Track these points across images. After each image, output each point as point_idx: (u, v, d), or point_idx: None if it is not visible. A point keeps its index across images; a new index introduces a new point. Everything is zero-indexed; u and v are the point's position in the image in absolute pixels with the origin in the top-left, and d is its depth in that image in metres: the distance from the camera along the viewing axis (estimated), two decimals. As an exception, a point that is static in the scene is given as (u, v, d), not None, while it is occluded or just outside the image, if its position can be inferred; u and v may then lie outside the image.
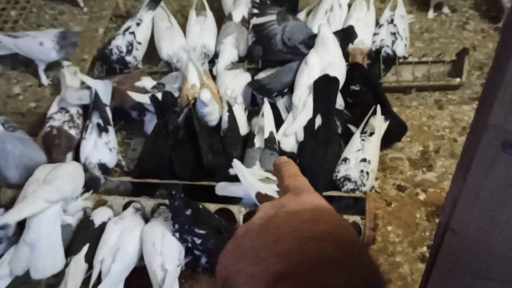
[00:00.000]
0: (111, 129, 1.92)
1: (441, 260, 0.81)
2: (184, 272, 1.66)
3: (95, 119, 1.91)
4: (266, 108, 1.84)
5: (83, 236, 1.69)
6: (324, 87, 1.80)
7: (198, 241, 1.55)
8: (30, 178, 1.68)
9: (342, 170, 1.69)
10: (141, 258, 1.62)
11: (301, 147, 1.80)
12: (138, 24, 2.21)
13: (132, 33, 2.18)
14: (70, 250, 1.67)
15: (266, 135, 1.79)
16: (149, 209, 1.72)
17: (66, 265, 1.64)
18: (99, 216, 1.72)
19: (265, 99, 1.86)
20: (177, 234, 1.56)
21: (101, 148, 1.87)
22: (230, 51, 2.12)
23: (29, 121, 2.11)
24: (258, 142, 1.79)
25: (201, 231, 1.56)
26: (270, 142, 1.78)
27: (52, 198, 1.58)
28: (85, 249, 1.65)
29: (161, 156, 1.81)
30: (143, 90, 2.00)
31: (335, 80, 1.81)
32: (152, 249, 1.54)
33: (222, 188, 1.66)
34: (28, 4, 2.53)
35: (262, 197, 1.56)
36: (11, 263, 1.57)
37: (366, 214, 1.59)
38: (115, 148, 1.93)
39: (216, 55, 2.13)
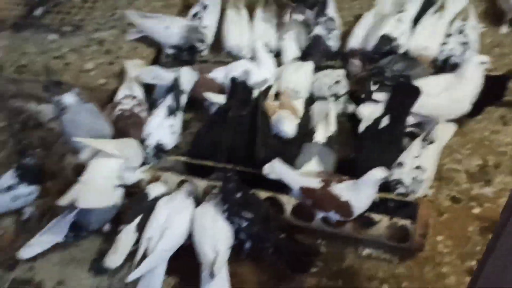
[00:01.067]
0: (179, 114, 1.99)
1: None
2: (233, 256, 1.70)
3: (169, 100, 1.97)
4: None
5: (136, 207, 1.76)
6: (404, 94, 1.81)
7: (244, 224, 1.58)
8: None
9: (396, 174, 1.67)
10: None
11: (359, 143, 1.79)
12: (204, 8, 2.28)
13: (199, 18, 2.25)
14: (122, 219, 1.75)
15: (331, 132, 1.80)
16: (201, 189, 1.77)
17: (118, 233, 1.72)
18: (154, 190, 1.79)
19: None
20: (226, 214, 1.59)
21: (165, 129, 1.93)
22: (292, 48, 2.15)
23: (96, 96, 2.21)
24: (320, 137, 1.80)
25: (248, 215, 1.58)
26: (333, 141, 1.79)
27: (114, 150, 1.70)
28: (137, 220, 1.72)
29: (215, 140, 1.86)
30: (213, 82, 2.05)
31: (417, 90, 1.80)
32: (204, 231, 1.58)
33: (271, 168, 1.66)
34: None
35: (306, 191, 1.59)
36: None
37: (417, 220, 1.57)
38: (176, 133, 1.98)
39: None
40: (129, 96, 2.01)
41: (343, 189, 1.58)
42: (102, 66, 2.30)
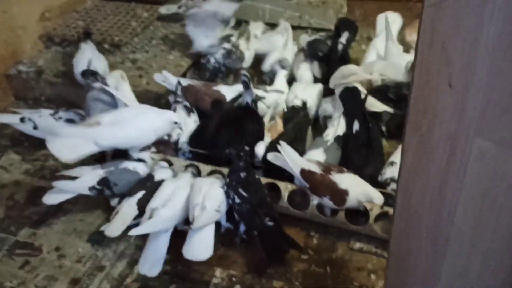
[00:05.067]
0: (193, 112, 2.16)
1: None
2: (222, 238, 1.75)
3: (182, 102, 2.15)
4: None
5: (141, 184, 1.85)
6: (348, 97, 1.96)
7: (237, 200, 1.65)
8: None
9: (388, 172, 1.75)
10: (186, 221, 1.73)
11: (343, 154, 1.89)
12: None
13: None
14: (128, 192, 1.83)
15: (340, 132, 1.93)
16: (205, 173, 1.86)
17: (119, 202, 1.81)
18: (160, 174, 1.89)
19: None
20: (225, 187, 1.68)
21: (190, 126, 2.08)
22: (307, 76, 2.35)
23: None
24: (330, 135, 1.93)
25: (244, 194, 1.66)
26: (340, 140, 1.92)
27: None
28: (139, 194, 1.80)
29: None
30: (218, 93, 2.23)
31: (355, 89, 1.97)
32: (198, 192, 1.67)
33: (275, 157, 1.77)
34: None
35: (307, 173, 1.68)
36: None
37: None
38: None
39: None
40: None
41: (343, 178, 1.67)
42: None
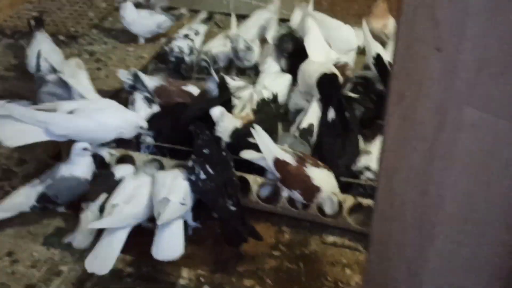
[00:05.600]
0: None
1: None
2: (191, 237, 1.65)
3: (140, 94, 2.03)
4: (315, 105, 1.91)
5: (101, 186, 1.73)
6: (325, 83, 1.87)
7: (202, 176, 1.57)
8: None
9: (362, 161, 1.69)
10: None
11: (317, 143, 1.81)
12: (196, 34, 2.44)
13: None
14: (86, 197, 1.71)
15: (305, 125, 1.84)
16: (169, 168, 1.76)
17: (81, 209, 1.67)
18: (121, 170, 1.77)
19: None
20: (190, 162, 1.59)
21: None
22: (274, 67, 2.27)
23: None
24: (295, 130, 1.86)
25: (210, 170, 1.57)
26: (307, 133, 1.83)
27: None
28: (101, 198, 1.68)
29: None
30: (189, 94, 2.12)
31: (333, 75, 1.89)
32: (161, 186, 1.56)
33: (247, 152, 1.68)
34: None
35: (280, 163, 1.59)
36: None
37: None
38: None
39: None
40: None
41: (317, 173, 1.59)
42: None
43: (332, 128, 1.78)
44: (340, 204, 1.61)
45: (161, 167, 1.78)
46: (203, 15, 2.64)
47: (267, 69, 2.23)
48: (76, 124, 1.70)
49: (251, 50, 2.32)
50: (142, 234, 1.58)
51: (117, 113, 1.79)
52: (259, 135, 1.64)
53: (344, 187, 1.66)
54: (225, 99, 1.92)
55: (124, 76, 2.10)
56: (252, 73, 2.34)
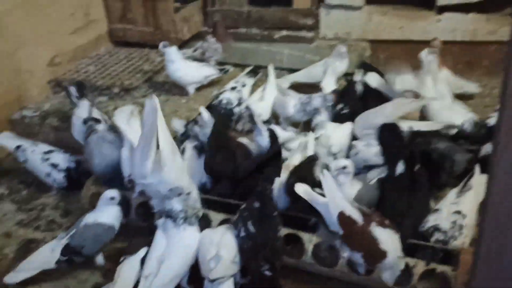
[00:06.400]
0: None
1: None
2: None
3: (190, 144, 1.95)
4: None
5: (142, 240, 1.61)
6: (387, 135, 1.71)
7: (242, 233, 1.44)
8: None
9: (431, 220, 1.49)
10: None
11: (381, 197, 1.63)
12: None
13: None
14: (127, 249, 1.60)
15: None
16: (216, 223, 1.62)
17: (119, 263, 1.56)
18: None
19: None
20: (235, 217, 1.48)
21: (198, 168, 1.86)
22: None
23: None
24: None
25: (251, 228, 1.43)
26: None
27: None
28: (141, 252, 1.56)
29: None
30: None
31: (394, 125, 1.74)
32: (209, 244, 1.42)
33: (304, 191, 1.51)
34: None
35: (345, 219, 1.41)
36: None
37: (459, 267, 1.33)
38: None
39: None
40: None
41: (384, 235, 1.41)
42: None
43: (398, 183, 1.58)
44: (409, 271, 1.40)
45: (206, 220, 1.65)
46: (249, 68, 2.60)
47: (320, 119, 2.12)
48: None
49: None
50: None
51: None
52: (327, 181, 1.45)
53: (408, 251, 1.45)
54: (276, 150, 1.80)
55: (178, 125, 2.07)
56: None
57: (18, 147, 2.04)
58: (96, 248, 1.63)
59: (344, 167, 1.60)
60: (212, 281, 1.32)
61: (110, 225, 1.64)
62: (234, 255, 1.40)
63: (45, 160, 2.01)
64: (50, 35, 2.59)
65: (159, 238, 1.55)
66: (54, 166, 2.01)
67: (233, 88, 2.41)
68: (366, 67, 2.43)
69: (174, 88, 2.62)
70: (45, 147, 2.06)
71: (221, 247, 1.39)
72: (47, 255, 1.61)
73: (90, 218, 1.64)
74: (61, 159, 2.02)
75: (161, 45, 2.47)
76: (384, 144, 1.68)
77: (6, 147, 2.09)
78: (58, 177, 2.00)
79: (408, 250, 1.44)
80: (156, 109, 1.52)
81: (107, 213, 1.65)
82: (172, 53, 2.48)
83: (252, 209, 1.43)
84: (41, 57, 2.58)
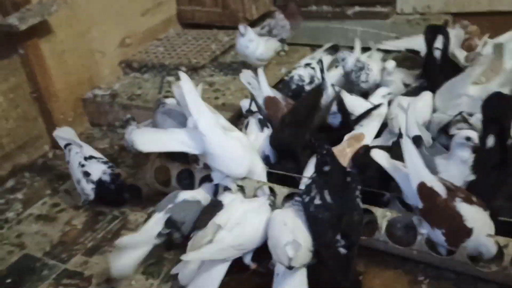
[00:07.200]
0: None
1: None
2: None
3: (254, 118, 1.88)
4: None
5: (210, 214, 1.55)
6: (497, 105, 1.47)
7: (317, 201, 1.32)
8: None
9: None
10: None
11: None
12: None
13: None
14: (196, 225, 1.54)
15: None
16: (281, 197, 1.53)
17: (190, 238, 1.50)
18: (227, 198, 1.59)
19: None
20: (309, 181, 1.39)
21: (261, 141, 1.80)
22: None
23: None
24: None
25: (328, 198, 1.31)
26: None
27: None
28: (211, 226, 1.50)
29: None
30: None
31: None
32: (283, 227, 1.32)
33: (381, 157, 1.39)
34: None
35: (426, 190, 1.26)
36: None
37: None
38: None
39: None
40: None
41: (471, 211, 1.25)
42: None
43: (488, 158, 1.39)
44: (501, 251, 1.22)
45: (272, 194, 1.57)
46: (328, 45, 2.47)
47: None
48: (225, 149, 1.57)
49: (365, 69, 2.09)
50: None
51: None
52: (408, 148, 1.31)
53: (502, 230, 1.26)
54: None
55: (246, 78, 2.05)
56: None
57: (66, 145, 1.92)
58: (191, 227, 1.55)
59: (468, 139, 1.38)
60: (290, 268, 1.22)
61: (204, 203, 1.60)
62: (311, 244, 1.30)
63: (81, 165, 1.84)
64: (120, 17, 2.61)
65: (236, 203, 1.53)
66: (87, 174, 1.82)
67: (307, 65, 2.29)
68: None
69: (241, 68, 2.55)
70: (90, 152, 1.90)
71: (297, 233, 1.29)
72: (147, 231, 1.52)
73: (186, 194, 1.61)
74: (96, 168, 1.83)
75: (241, 26, 2.39)
76: (486, 113, 1.46)
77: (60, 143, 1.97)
78: (87, 187, 1.81)
79: (499, 230, 1.26)
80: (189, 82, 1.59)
81: (202, 191, 1.63)
82: (252, 32, 2.41)
83: (326, 175, 1.32)
84: (112, 38, 2.61)
